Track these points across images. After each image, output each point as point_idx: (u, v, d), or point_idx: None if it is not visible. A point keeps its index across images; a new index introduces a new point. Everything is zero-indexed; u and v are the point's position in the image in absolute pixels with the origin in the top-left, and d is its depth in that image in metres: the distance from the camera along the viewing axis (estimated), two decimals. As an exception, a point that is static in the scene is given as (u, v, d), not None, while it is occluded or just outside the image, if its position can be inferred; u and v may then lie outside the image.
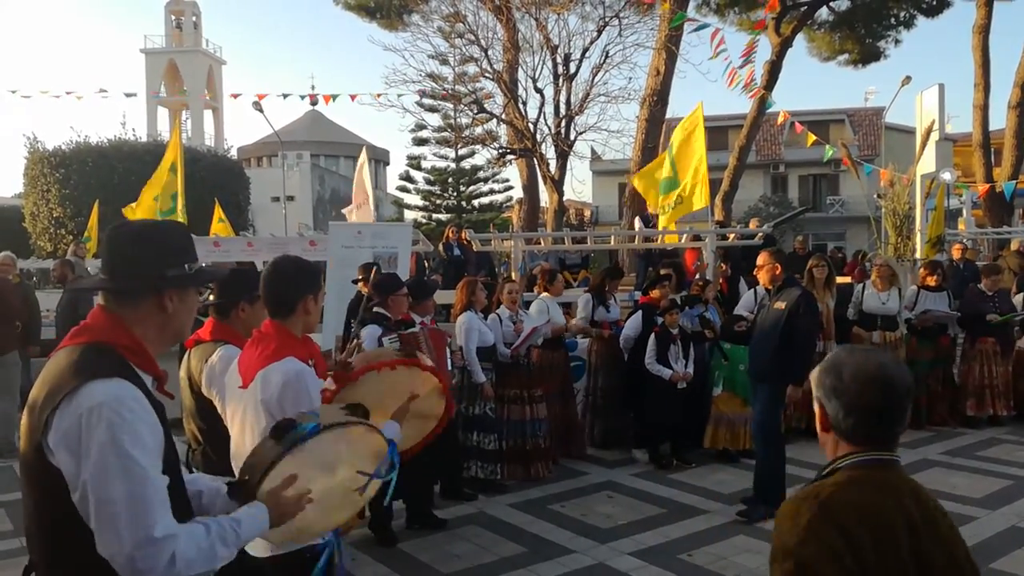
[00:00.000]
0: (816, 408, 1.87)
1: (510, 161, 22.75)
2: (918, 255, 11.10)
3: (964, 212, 17.55)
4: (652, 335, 6.86)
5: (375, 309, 5.29)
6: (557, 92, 19.77)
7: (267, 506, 1.97)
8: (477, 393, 6.17)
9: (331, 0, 23.80)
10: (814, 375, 1.88)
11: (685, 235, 10.65)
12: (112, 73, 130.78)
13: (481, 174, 31.91)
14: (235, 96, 22.36)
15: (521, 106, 19.91)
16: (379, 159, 50.45)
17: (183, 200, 11.40)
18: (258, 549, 2.35)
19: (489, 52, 19.47)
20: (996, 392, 8.22)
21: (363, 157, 12.97)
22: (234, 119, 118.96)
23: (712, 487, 6.28)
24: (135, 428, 1.70)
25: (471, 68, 21.09)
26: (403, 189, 33.50)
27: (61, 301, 8.60)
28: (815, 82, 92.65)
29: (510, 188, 32.36)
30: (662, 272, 7.53)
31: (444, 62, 21.18)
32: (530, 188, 22.07)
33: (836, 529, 1.62)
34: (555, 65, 19.61)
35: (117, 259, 1.91)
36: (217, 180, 23.18)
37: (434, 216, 32.31)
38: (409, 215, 32.96)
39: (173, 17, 45.66)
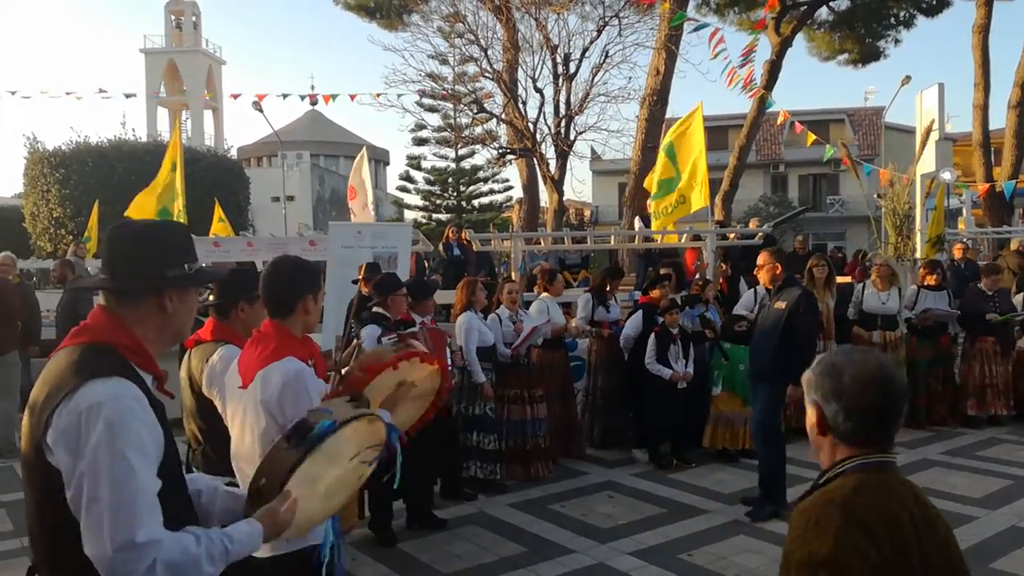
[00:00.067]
0: (812, 411, 1.85)
1: (510, 161, 22.74)
2: (918, 255, 11.10)
3: (964, 212, 17.55)
4: (652, 335, 6.86)
5: (375, 309, 5.30)
6: (557, 92, 19.77)
7: (262, 525, 1.93)
8: (477, 393, 6.17)
9: (331, 0, 23.85)
10: (809, 378, 1.85)
11: (685, 235, 10.65)
12: (112, 73, 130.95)
13: (481, 174, 31.89)
14: (235, 96, 22.34)
15: (521, 106, 19.91)
16: (379, 159, 50.44)
17: (183, 200, 11.40)
18: (259, 550, 2.34)
19: (489, 52, 19.48)
20: (996, 392, 8.22)
21: (363, 157, 12.98)
22: (234, 119, 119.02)
23: (712, 487, 6.28)
24: (133, 428, 1.70)
25: (471, 68, 21.10)
26: (403, 189, 33.49)
27: (61, 301, 8.60)
28: (815, 82, 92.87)
29: (510, 188, 32.37)
30: (662, 272, 7.54)
31: (444, 62, 21.19)
32: (530, 188, 22.06)
33: (862, 532, 1.61)
34: (555, 65, 19.62)
35: (117, 259, 1.91)
36: (217, 180, 23.18)
37: (434, 216, 32.30)
38: (409, 215, 32.96)
39: (173, 17, 45.66)
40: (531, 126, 19.52)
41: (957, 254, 10.88)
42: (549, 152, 19.77)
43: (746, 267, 8.65)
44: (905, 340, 8.16)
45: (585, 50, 19.35)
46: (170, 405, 1.93)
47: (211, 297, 3.28)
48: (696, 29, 13.96)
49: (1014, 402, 8.36)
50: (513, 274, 10.12)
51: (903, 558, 1.63)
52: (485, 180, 32.29)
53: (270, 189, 32.69)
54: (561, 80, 19.68)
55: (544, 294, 7.27)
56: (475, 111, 21.55)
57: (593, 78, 19.21)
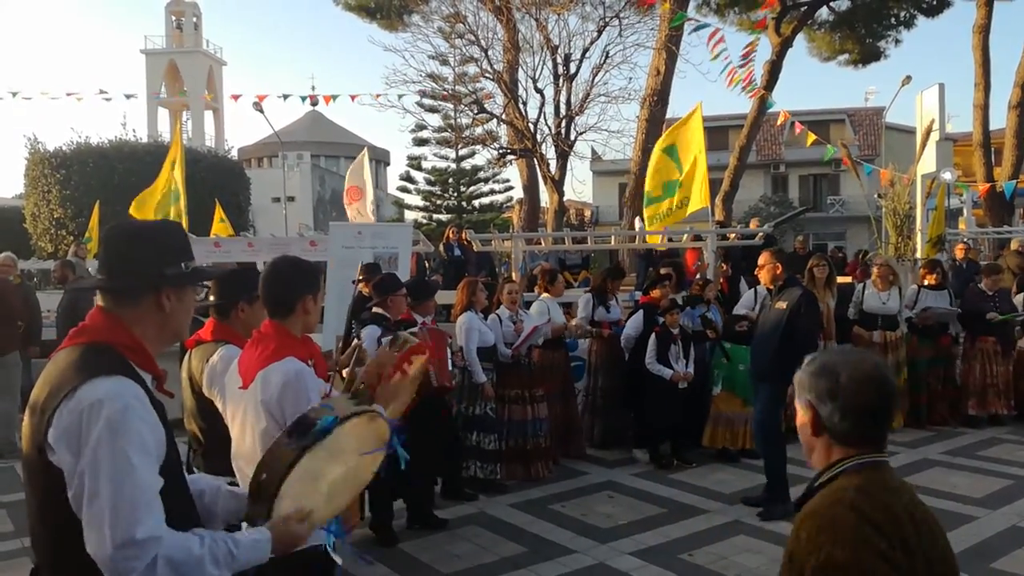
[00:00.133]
0: (805, 412, 1.83)
1: (510, 161, 22.73)
2: (919, 255, 11.09)
3: (965, 212, 17.52)
4: (653, 335, 6.87)
5: (374, 309, 5.31)
6: (557, 92, 19.75)
7: (273, 534, 1.91)
8: (478, 393, 6.17)
9: (331, 0, 23.83)
10: (801, 378, 1.84)
11: (686, 235, 10.65)
12: (112, 74, 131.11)
13: (481, 174, 31.91)
14: (235, 97, 22.30)
15: (521, 106, 19.90)
16: (379, 159, 50.46)
17: (184, 201, 11.42)
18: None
19: (489, 52, 19.47)
20: (997, 391, 8.22)
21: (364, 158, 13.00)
22: (234, 120, 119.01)
23: (712, 487, 6.28)
24: (134, 426, 1.70)
25: (471, 68, 21.09)
26: (403, 189, 33.52)
27: (62, 302, 8.61)
28: (815, 82, 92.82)
29: (510, 188, 32.40)
30: (662, 272, 7.54)
31: (444, 62, 21.18)
32: (530, 188, 22.06)
33: (877, 532, 1.61)
34: (555, 65, 19.60)
35: (114, 259, 1.91)
36: (217, 181, 23.18)
37: (434, 216, 32.32)
38: (409, 215, 32.97)
39: (173, 18, 45.69)
40: (531, 126, 19.52)
41: (959, 254, 10.88)
42: (549, 152, 19.77)
43: (746, 267, 8.65)
44: (906, 340, 8.16)
45: (585, 50, 19.35)
46: (170, 405, 1.93)
47: (211, 297, 3.28)
48: (696, 29, 13.96)
49: (1015, 402, 8.36)
50: (514, 274, 10.12)
51: (911, 559, 1.63)
52: (485, 180, 32.31)
53: (271, 190, 32.69)
54: (561, 80, 19.67)
55: (545, 294, 7.27)
56: (475, 111, 21.54)
57: (593, 78, 19.21)
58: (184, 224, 10.76)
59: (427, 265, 12.49)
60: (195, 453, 3.27)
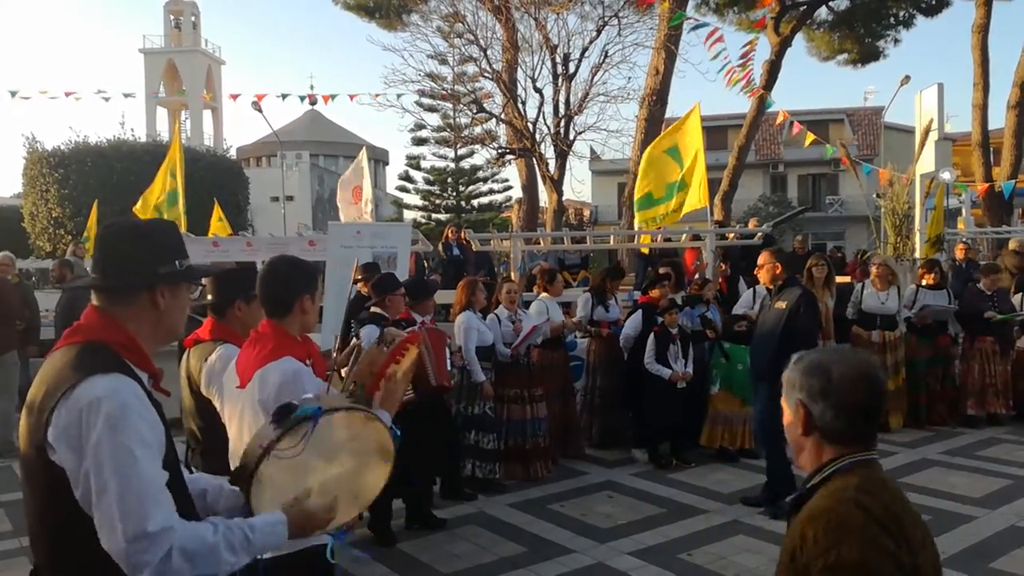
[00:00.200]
0: (797, 411, 1.81)
1: (509, 161, 22.75)
2: (917, 255, 11.09)
3: (963, 211, 17.52)
4: (651, 335, 6.86)
5: (373, 309, 5.30)
6: (556, 92, 19.79)
7: (288, 517, 1.91)
8: (477, 392, 6.17)
9: (330, 0, 23.85)
10: (791, 377, 1.82)
11: (684, 235, 10.65)
12: (111, 73, 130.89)
13: (480, 174, 31.87)
14: (234, 96, 22.31)
15: (520, 106, 19.92)
16: (378, 159, 50.45)
17: (183, 200, 11.40)
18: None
19: (488, 52, 19.50)
20: (996, 391, 8.23)
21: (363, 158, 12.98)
22: (233, 119, 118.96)
23: (712, 487, 6.28)
24: (134, 421, 1.70)
25: (470, 68, 21.14)
26: (402, 189, 33.46)
27: (60, 301, 8.60)
28: (814, 82, 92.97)
29: (509, 188, 32.35)
30: (661, 272, 7.54)
31: (443, 62, 21.22)
32: (529, 188, 22.07)
33: (884, 532, 1.60)
34: (554, 65, 19.64)
35: (108, 257, 1.91)
36: (216, 180, 23.13)
37: (433, 216, 32.28)
38: (408, 215, 32.93)
39: (172, 17, 45.63)
40: (530, 126, 19.54)
41: (959, 254, 10.88)
42: (548, 152, 19.81)
43: (745, 267, 8.65)
44: (904, 340, 8.16)
45: (584, 50, 19.39)
46: (168, 405, 1.93)
47: (208, 297, 3.27)
48: (695, 28, 13.95)
49: (1013, 402, 8.37)
50: (512, 274, 10.12)
51: (914, 559, 1.62)
52: (484, 180, 32.27)
53: (269, 189, 32.66)
54: (560, 80, 19.69)
55: (544, 294, 7.27)
56: (474, 111, 21.56)
57: (592, 78, 19.26)
58: (183, 224, 10.77)
59: (426, 265, 12.48)
60: (193, 452, 3.27)
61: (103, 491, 1.65)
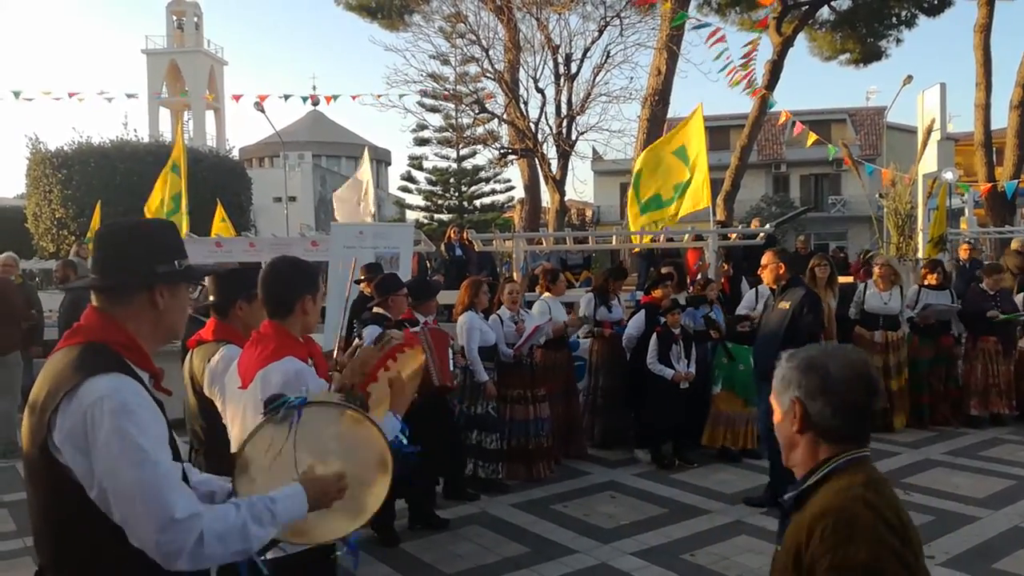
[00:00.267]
0: (793, 408, 1.79)
1: (511, 161, 22.75)
2: (920, 255, 11.07)
3: (966, 211, 17.50)
4: (654, 335, 6.86)
5: (376, 309, 5.30)
6: (558, 92, 19.76)
7: (304, 487, 1.94)
8: (479, 392, 6.17)
9: (332, 0, 23.85)
10: (786, 375, 1.81)
11: (687, 235, 10.64)
12: (114, 74, 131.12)
13: (483, 174, 31.93)
14: (237, 97, 22.38)
15: (522, 106, 19.90)
16: (381, 159, 50.47)
17: (186, 200, 11.43)
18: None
19: (490, 52, 19.48)
20: (999, 391, 8.21)
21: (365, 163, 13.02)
22: (236, 119, 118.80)
23: (714, 487, 6.27)
24: (139, 417, 1.71)
25: (472, 68, 21.14)
26: (405, 189, 33.56)
27: (63, 302, 8.62)
28: (817, 82, 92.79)
29: (512, 188, 32.43)
30: (664, 272, 7.53)
31: (445, 62, 21.23)
32: (532, 188, 22.07)
33: (890, 531, 1.60)
34: (556, 65, 19.61)
35: (107, 258, 1.92)
36: (219, 180, 23.19)
37: (436, 216, 32.34)
38: (411, 215, 32.99)
39: (174, 17, 45.69)
40: (532, 126, 19.53)
41: (963, 255, 10.86)
42: (551, 152, 19.78)
43: (748, 267, 8.64)
44: (907, 340, 8.15)
45: (586, 50, 19.36)
46: (171, 405, 1.93)
47: (210, 297, 3.28)
48: (697, 28, 13.96)
49: (1017, 402, 8.35)
50: (515, 274, 10.12)
51: (917, 559, 1.62)
52: (487, 180, 32.32)
53: (272, 189, 32.70)
54: (562, 80, 19.67)
55: (546, 294, 7.27)
56: (477, 111, 21.55)
57: (594, 78, 19.24)
58: (185, 225, 10.80)
59: (428, 265, 12.49)
60: (196, 452, 3.27)
61: (122, 491, 1.66)
